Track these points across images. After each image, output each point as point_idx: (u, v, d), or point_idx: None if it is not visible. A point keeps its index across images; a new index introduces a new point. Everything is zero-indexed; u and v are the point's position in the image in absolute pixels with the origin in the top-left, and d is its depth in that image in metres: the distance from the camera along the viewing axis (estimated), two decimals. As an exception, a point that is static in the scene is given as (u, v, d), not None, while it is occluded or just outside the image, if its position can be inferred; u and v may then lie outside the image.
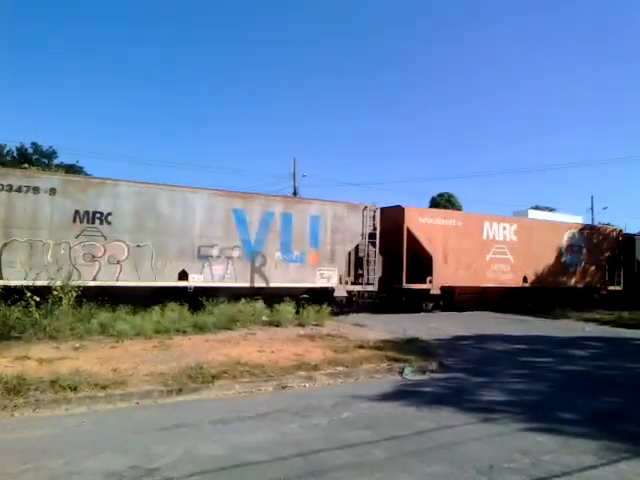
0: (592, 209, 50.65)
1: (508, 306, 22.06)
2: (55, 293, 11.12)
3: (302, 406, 6.88)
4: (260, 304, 14.92)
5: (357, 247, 17.79)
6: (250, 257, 15.65)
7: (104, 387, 7.05)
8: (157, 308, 12.71)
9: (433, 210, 24.46)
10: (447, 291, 20.66)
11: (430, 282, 19.99)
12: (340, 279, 17.24)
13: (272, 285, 15.90)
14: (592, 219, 48.99)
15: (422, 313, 19.77)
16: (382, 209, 18.88)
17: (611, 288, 25.53)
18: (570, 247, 24.22)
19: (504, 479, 4.63)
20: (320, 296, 16.66)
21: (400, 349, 10.52)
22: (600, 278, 25.24)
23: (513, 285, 22.32)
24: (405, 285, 19.50)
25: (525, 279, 22.55)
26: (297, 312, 14.88)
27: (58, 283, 11.48)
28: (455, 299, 21.25)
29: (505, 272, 21.98)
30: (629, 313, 20.23)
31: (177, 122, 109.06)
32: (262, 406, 6.88)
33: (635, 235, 27.11)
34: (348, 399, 7.28)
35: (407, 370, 9.09)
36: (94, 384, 7.08)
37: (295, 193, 34.43)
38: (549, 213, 31.92)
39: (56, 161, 43.79)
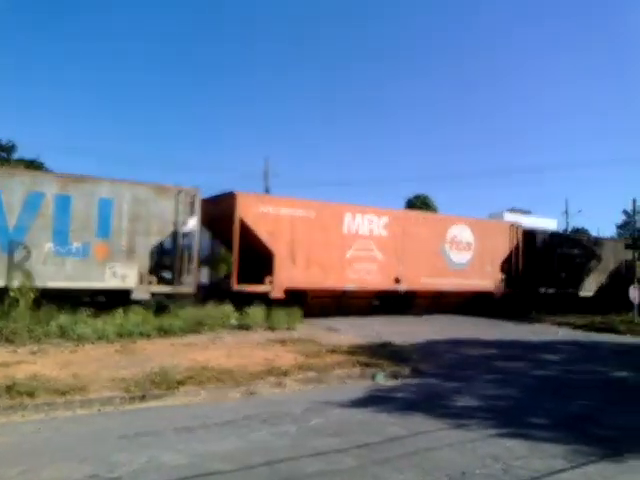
0: (567, 212, 51.71)
1: (377, 312, 19.61)
2: (12, 294, 10.69)
3: (271, 413, 6.69)
4: (229, 307, 14.63)
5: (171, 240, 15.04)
6: (6, 249, 12.57)
7: (63, 393, 6.75)
8: (120, 311, 12.32)
9: (277, 198, 19.16)
10: (296, 294, 17.17)
11: (270, 283, 16.73)
12: (141, 278, 14.36)
13: (40, 285, 12.50)
14: (567, 222, 50.14)
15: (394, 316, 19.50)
16: (213, 197, 17.01)
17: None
18: (456, 244, 21.25)
19: (477, 486, 4.54)
20: (116, 299, 13.89)
21: (373, 354, 10.40)
22: (498, 279, 22.23)
23: (381, 288, 19.24)
24: (235, 287, 16.07)
25: (397, 280, 19.32)
26: (268, 316, 14.65)
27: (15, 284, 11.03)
28: (308, 303, 17.43)
29: (371, 272, 18.70)
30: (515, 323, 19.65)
31: (147, 117, 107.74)
32: (229, 413, 6.67)
33: (536, 230, 24.59)
34: (319, 405, 7.11)
35: (379, 375, 8.97)
36: (53, 390, 6.77)
37: (267, 191, 34.18)
38: (524, 216, 32.42)
39: (16, 155, 42.47)
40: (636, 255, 20.22)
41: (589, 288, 25.22)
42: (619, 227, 56.23)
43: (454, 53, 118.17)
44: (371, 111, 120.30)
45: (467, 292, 21.53)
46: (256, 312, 14.39)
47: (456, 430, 6.21)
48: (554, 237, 26.07)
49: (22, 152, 43.22)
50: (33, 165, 36.98)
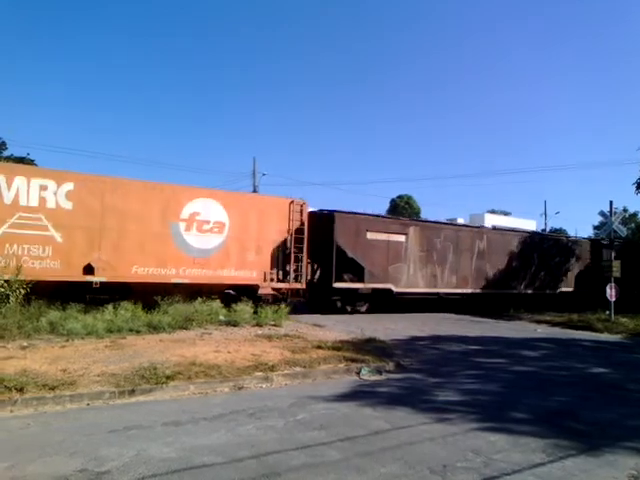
0: (545, 214, 52.17)
1: None
2: (2, 290, 10.68)
3: (258, 407, 6.81)
4: (217, 303, 14.70)
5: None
6: None
7: (52, 388, 6.81)
8: (110, 307, 12.36)
9: None
10: None
11: None
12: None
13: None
14: (545, 223, 50.59)
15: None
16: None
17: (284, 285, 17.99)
18: (198, 223, 16.13)
19: (457, 478, 4.69)
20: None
21: (358, 349, 10.56)
22: (271, 269, 17.47)
23: (63, 278, 13.82)
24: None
25: (90, 269, 14.18)
26: (255, 312, 14.75)
27: (5, 278, 11.02)
28: None
29: (42, 257, 13.53)
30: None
31: (140, 115, 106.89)
32: (217, 407, 6.78)
33: (334, 211, 20.08)
34: (305, 400, 7.25)
35: (364, 371, 9.13)
36: (42, 385, 6.83)
37: (255, 191, 34.24)
38: (504, 217, 32.82)
39: (6, 153, 42.05)
40: (612, 255, 20.61)
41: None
42: (596, 228, 56.85)
43: (433, 50, 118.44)
44: (356, 113, 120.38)
45: (219, 285, 16.69)
46: (243, 309, 14.49)
47: (438, 424, 6.37)
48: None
49: (12, 149, 42.90)
50: (23, 162, 36.65)
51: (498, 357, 11.65)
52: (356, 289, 20.16)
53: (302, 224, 17.92)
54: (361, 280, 20.07)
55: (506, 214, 48.32)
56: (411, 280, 21.36)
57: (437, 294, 22.43)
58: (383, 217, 23.53)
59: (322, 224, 19.42)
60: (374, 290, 20.55)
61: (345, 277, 19.81)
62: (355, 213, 20.68)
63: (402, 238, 21.23)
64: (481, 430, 6.17)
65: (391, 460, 5.07)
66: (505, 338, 15.03)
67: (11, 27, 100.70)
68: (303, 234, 17.87)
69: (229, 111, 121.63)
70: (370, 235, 20.35)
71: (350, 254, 19.63)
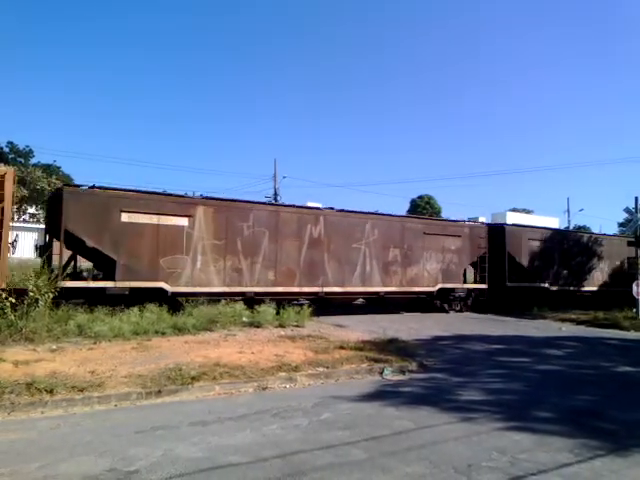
0: (568, 211, 51.47)
1: None
2: (31, 294, 10.93)
3: (282, 407, 6.87)
4: (240, 305, 14.82)
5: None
6: None
7: (81, 389, 6.96)
8: (135, 309, 12.57)
9: None
10: None
11: None
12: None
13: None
14: (568, 221, 49.81)
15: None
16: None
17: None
18: None
19: (482, 478, 4.68)
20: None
21: (380, 349, 10.57)
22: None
23: None
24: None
25: None
26: (277, 313, 14.83)
27: (33, 283, 11.29)
28: None
29: None
30: None
31: (157, 121, 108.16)
32: (242, 407, 6.85)
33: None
34: (328, 400, 7.29)
35: (387, 370, 9.14)
36: (71, 386, 6.99)
37: (275, 194, 34.31)
38: (526, 215, 32.34)
39: (33, 160, 43.02)
40: (639, 252, 20.19)
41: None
42: (621, 225, 55.78)
43: (455, 52, 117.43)
44: (374, 113, 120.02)
45: None
46: (266, 310, 14.60)
47: (462, 423, 6.35)
48: None
49: (39, 157, 43.89)
50: (50, 169, 37.41)
51: (522, 356, 11.54)
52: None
53: None
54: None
55: (528, 212, 47.75)
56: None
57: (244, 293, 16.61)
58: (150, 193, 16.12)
59: None
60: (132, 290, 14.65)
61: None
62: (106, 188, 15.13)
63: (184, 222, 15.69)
64: (506, 429, 6.13)
65: (416, 460, 5.07)
66: (529, 337, 14.86)
67: (42, 37, 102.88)
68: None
69: (248, 113, 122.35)
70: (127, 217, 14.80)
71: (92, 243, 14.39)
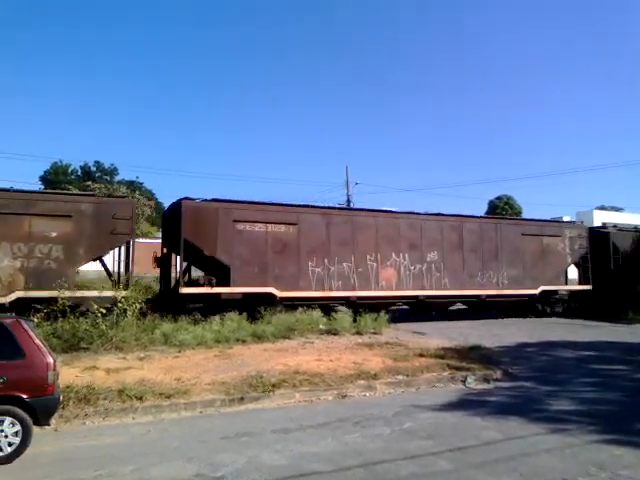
0: (662, 207, 48.04)
1: None
2: (120, 305, 11.50)
3: (363, 415, 6.81)
4: (317, 312, 14.88)
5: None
6: None
7: (168, 396, 7.25)
8: (217, 318, 12.93)
9: None
10: None
11: None
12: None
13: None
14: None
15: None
16: None
17: None
18: None
19: (580, 493, 4.40)
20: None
21: (462, 357, 10.25)
22: None
23: None
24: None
25: None
26: (354, 320, 14.76)
27: (123, 294, 11.88)
28: None
29: None
30: None
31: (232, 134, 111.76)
32: (322, 415, 6.86)
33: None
34: (410, 409, 7.15)
35: (470, 379, 8.85)
36: (159, 393, 7.29)
37: (348, 200, 34.28)
38: (616, 213, 30.37)
39: (117, 177, 45.65)
40: None
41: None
42: None
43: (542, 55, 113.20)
44: (445, 117, 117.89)
45: None
46: (343, 317, 14.56)
47: (554, 435, 6.02)
48: None
49: (123, 174, 46.62)
50: (133, 185, 39.56)
51: (617, 364, 10.80)
52: None
53: None
54: None
55: (618, 210, 45.02)
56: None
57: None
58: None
59: None
60: None
61: None
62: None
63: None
64: (603, 442, 5.75)
65: (505, 472, 4.85)
66: (623, 343, 13.88)
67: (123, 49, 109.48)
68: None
69: (317, 121, 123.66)
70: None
71: None
